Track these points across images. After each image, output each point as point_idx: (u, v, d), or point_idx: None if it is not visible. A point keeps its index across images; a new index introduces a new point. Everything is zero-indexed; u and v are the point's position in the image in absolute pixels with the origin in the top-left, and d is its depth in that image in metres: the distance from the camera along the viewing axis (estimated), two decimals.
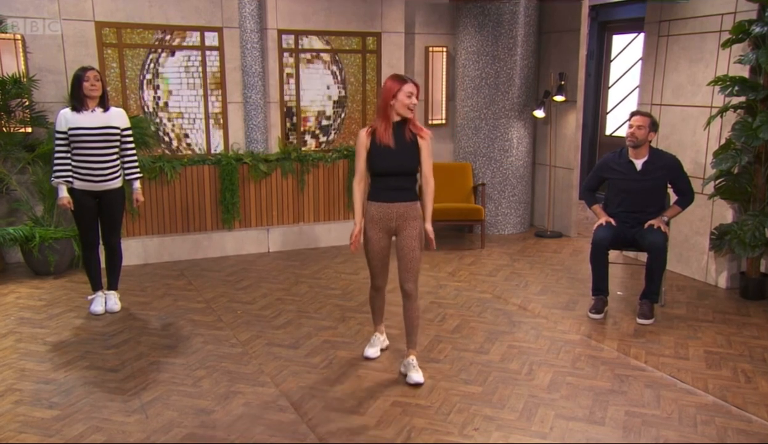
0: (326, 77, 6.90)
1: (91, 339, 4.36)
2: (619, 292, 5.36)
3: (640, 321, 4.66)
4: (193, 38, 6.35)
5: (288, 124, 6.80)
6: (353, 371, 3.89)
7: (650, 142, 4.75)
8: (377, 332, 4.15)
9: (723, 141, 5.22)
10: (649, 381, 3.77)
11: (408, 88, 3.58)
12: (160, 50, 6.25)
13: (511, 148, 7.27)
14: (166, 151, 6.40)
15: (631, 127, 4.70)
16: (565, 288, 5.48)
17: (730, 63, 5.23)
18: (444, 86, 7.43)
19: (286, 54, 6.66)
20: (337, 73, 6.94)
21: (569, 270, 6.01)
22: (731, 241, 5.06)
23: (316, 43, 6.77)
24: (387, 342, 4.20)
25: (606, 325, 4.65)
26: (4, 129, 5.68)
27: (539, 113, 7.15)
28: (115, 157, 4.64)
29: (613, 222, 4.75)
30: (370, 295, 4.05)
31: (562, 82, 7.00)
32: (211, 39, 6.41)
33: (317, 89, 6.87)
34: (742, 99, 5.04)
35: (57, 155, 4.54)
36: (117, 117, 4.62)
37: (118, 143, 4.63)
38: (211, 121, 6.53)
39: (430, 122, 7.46)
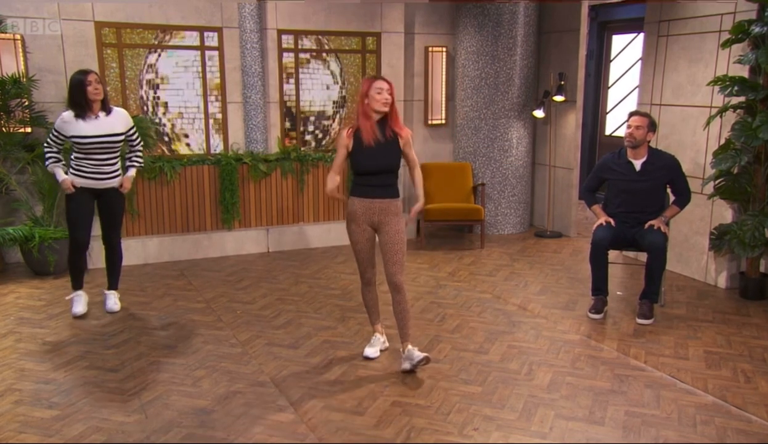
0: (326, 77, 6.90)
1: (91, 339, 4.36)
2: (618, 292, 5.36)
3: (639, 321, 4.66)
4: (193, 38, 6.35)
5: (288, 124, 6.80)
6: (353, 371, 3.89)
7: (649, 142, 4.75)
8: (377, 332, 4.16)
9: (723, 141, 5.22)
10: (649, 381, 3.77)
11: (377, 84, 3.71)
12: (160, 50, 6.25)
13: (510, 148, 7.27)
14: (166, 152, 6.40)
15: (629, 127, 4.70)
16: (565, 288, 5.48)
17: (730, 63, 5.23)
18: (444, 86, 7.43)
19: (285, 54, 6.67)
20: (337, 73, 6.94)
21: (569, 270, 6.01)
22: (731, 241, 5.07)
23: (316, 43, 6.77)
24: (387, 344, 4.20)
25: (606, 325, 4.65)
26: (3, 129, 5.68)
27: (539, 113, 7.15)
28: (117, 157, 4.65)
29: (612, 222, 4.76)
30: (362, 292, 4.08)
31: (562, 82, 7.00)
32: (211, 39, 6.42)
33: (317, 89, 6.86)
34: (742, 99, 5.04)
35: (48, 148, 4.55)
36: (120, 121, 4.59)
37: (121, 145, 4.64)
38: (211, 121, 6.53)
39: (429, 122, 7.47)
